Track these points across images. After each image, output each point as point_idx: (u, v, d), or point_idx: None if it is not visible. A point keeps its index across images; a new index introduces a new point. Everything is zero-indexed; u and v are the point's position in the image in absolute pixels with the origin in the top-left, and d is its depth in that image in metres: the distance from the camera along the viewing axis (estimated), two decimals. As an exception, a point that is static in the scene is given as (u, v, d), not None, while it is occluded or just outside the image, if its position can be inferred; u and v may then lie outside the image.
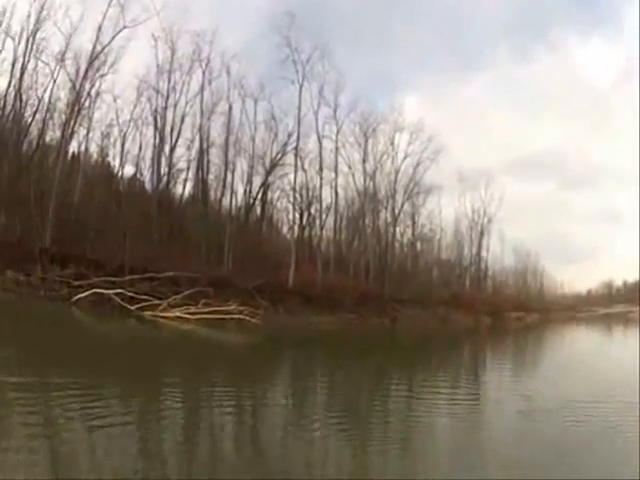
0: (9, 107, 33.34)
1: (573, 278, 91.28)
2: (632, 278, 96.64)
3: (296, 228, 47.79)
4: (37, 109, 34.36)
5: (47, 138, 35.95)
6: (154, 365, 14.67)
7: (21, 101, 33.84)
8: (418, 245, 58.71)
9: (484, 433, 10.33)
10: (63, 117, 35.10)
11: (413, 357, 25.09)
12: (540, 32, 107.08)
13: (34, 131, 35.08)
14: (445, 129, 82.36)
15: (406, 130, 51.72)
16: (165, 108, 40.20)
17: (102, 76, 35.61)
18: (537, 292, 78.68)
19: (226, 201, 43.60)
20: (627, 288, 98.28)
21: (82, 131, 36.93)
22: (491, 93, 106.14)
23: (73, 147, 37.59)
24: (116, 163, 40.44)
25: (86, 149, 38.01)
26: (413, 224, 56.11)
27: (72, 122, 34.95)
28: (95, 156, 39.97)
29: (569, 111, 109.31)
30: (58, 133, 35.27)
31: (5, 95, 32.83)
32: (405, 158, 52.07)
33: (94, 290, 26.47)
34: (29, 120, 34.63)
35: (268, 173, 44.88)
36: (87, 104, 36.11)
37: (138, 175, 40.93)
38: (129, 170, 41.18)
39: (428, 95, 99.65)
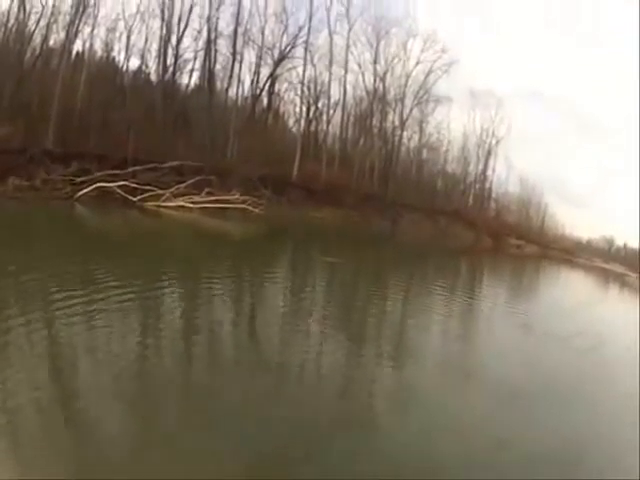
0: (12, 20, 32.94)
1: (574, 223, 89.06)
2: (633, 243, 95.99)
3: (302, 122, 47.21)
4: (41, 15, 33.72)
5: (51, 42, 35.28)
6: (152, 256, 14.53)
7: (25, 11, 33.33)
8: (424, 153, 58.05)
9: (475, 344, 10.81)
10: (67, 18, 34.26)
11: (412, 261, 25.67)
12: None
13: (37, 38, 34.53)
14: (461, 45, 77.91)
15: (420, 37, 50.22)
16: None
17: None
18: (538, 226, 77.05)
19: (233, 92, 42.97)
20: (627, 251, 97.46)
21: (87, 30, 36.08)
22: (516, 20, 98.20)
23: (77, 46, 36.89)
24: (121, 57, 39.52)
25: (91, 46, 37.08)
26: (420, 131, 55.36)
27: (77, 22, 34.26)
28: (100, 52, 39.09)
29: (597, 58, 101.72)
30: (62, 35, 34.54)
31: (9, 9, 32.48)
32: (417, 64, 50.79)
33: (97, 185, 26.27)
34: (32, 28, 34.06)
35: (276, 65, 43.94)
36: (92, 1, 35.15)
37: (144, 67, 40.05)
38: (135, 63, 40.38)
39: (446, 7, 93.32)
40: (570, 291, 31.81)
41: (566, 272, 50.02)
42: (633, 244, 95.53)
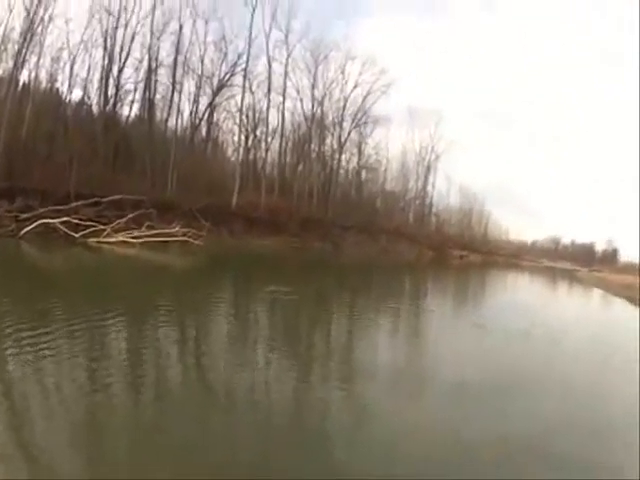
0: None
1: (518, 227, 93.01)
2: (580, 239, 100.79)
3: (241, 150, 48.30)
4: None
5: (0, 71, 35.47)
6: (93, 292, 14.16)
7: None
8: (363, 174, 59.67)
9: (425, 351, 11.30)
10: (16, 47, 34.59)
11: (355, 282, 26.00)
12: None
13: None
14: (399, 64, 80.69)
15: (358, 60, 52.08)
16: (116, 28, 39.55)
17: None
18: (481, 235, 79.88)
19: (172, 122, 43.76)
20: (574, 247, 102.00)
21: (33, 59, 36.32)
22: (451, 37, 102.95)
23: (24, 77, 36.93)
24: (64, 88, 39.82)
25: (36, 76, 37.22)
26: (359, 153, 56.94)
27: (24, 50, 34.51)
28: (44, 83, 39.13)
29: (524, 69, 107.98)
30: (11, 64, 34.66)
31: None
32: (355, 87, 52.66)
33: (41, 221, 26.28)
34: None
35: (215, 94, 44.82)
36: (39, 30, 35.46)
37: (86, 99, 40.34)
38: (77, 94, 40.69)
39: (384, 29, 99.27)
40: (517, 292, 33.22)
41: (512, 275, 51.37)
42: (580, 239, 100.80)
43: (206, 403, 6.85)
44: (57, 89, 39.93)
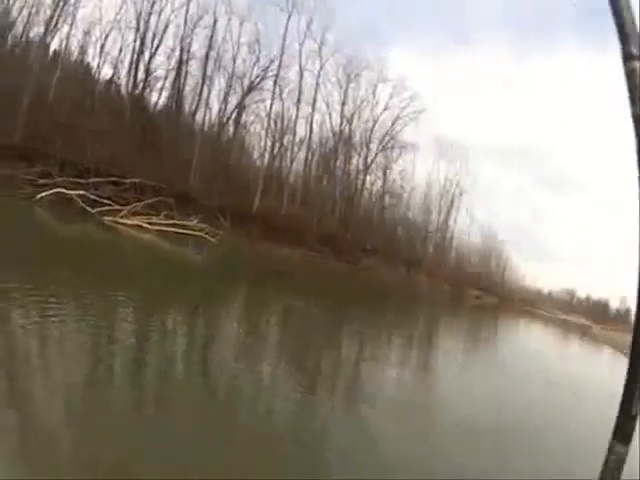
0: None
1: (536, 275, 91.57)
2: (595, 295, 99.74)
3: (267, 155, 47.22)
4: (24, 4, 33.37)
5: (31, 34, 34.88)
6: (105, 272, 13.61)
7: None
8: (387, 199, 58.04)
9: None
10: (47, 12, 33.94)
11: (370, 309, 24.90)
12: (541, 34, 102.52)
13: (20, 27, 34.22)
14: (430, 93, 79.88)
15: (389, 83, 51.09)
16: (150, 13, 38.90)
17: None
18: (498, 277, 77.91)
19: (200, 116, 42.69)
20: (589, 303, 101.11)
21: (65, 28, 35.80)
22: (485, 73, 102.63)
23: (54, 44, 36.28)
24: (94, 64, 38.99)
25: (66, 46, 36.60)
26: (384, 176, 55.71)
27: (56, 17, 33.95)
28: (75, 55, 38.51)
29: (561, 115, 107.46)
30: (42, 29, 34.10)
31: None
32: (385, 110, 51.79)
33: (58, 189, 25.54)
34: (15, 15, 33.68)
35: (245, 94, 43.87)
36: (72, 0, 34.87)
37: (115, 78, 39.38)
38: (107, 72, 39.65)
39: (418, 55, 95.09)
40: (529, 343, 32.02)
41: (525, 323, 50.30)
42: (595, 296, 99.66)
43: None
44: (87, 63, 39.19)
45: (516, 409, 10.58)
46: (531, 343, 31.72)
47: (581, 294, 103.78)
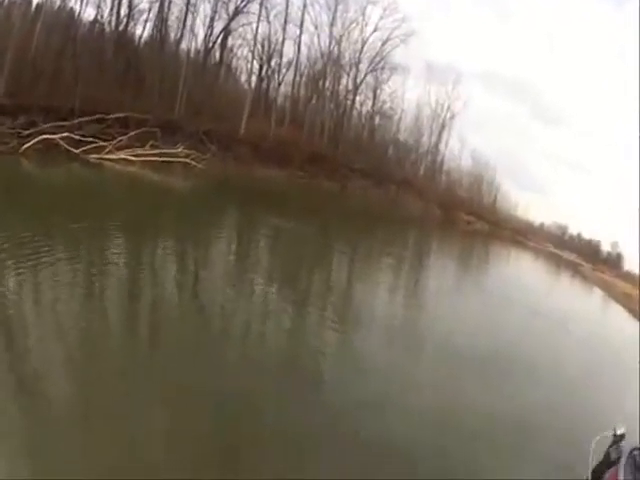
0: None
1: (527, 205, 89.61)
2: (586, 234, 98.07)
3: (254, 78, 47.15)
4: None
5: None
6: (87, 210, 13.65)
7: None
8: (377, 119, 58.10)
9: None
10: None
11: (361, 229, 25.55)
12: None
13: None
14: (422, 17, 76.71)
15: (379, 4, 50.15)
16: None
17: None
18: (490, 204, 76.78)
19: (185, 44, 42.55)
20: (580, 241, 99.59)
21: None
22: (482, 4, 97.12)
23: None
24: (77, 7, 38.25)
25: None
26: (374, 97, 55.32)
27: None
28: (57, 2, 38.24)
29: (559, 47, 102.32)
30: None
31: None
32: (374, 31, 50.85)
33: (41, 137, 25.32)
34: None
35: (231, 19, 43.18)
36: None
37: (99, 17, 38.96)
38: (90, 13, 39.22)
39: None
40: (522, 270, 33.05)
41: (517, 252, 51.63)
42: (586, 235, 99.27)
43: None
44: (70, 8, 38.89)
45: (507, 336, 11.03)
46: (523, 273, 32.21)
47: (573, 231, 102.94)
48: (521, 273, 31.74)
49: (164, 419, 4.69)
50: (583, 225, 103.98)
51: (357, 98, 53.82)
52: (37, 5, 36.47)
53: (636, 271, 69.37)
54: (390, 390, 6.39)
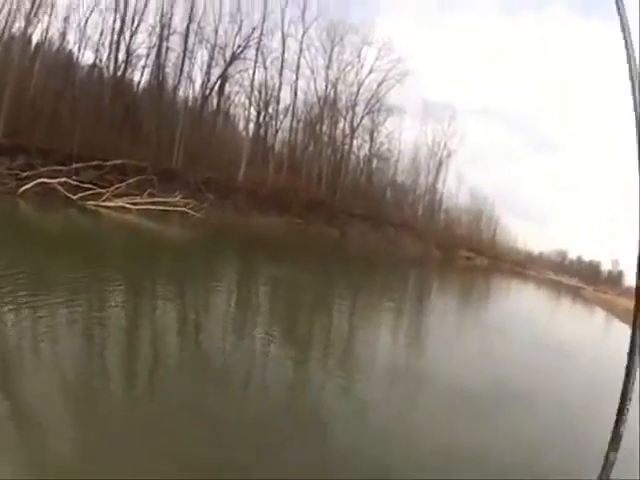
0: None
1: (526, 236, 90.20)
2: (587, 256, 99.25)
3: (252, 125, 47.34)
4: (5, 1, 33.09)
5: (13, 29, 34.52)
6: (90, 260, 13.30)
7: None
8: (374, 162, 58.19)
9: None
10: (28, 5, 33.83)
11: (361, 273, 25.18)
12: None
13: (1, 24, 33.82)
14: (416, 56, 79.26)
15: (375, 45, 50.54)
16: None
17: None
18: (489, 239, 77.45)
19: (182, 91, 42.76)
20: (580, 264, 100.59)
21: (45, 19, 35.67)
22: (472, 36, 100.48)
23: (36, 36, 36.23)
24: (76, 50, 38.91)
25: (47, 36, 36.42)
26: (371, 140, 55.51)
27: (36, 9, 34.11)
28: (56, 44, 38.18)
29: (550, 75, 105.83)
30: (23, 23, 34.08)
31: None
32: (370, 73, 51.29)
33: (39, 180, 25.46)
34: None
35: (228, 65, 43.58)
36: None
37: (97, 62, 39.23)
38: (88, 57, 39.57)
39: (403, 19, 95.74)
40: (522, 302, 32.53)
41: (517, 284, 50.45)
42: (587, 257, 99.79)
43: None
44: (69, 50, 39.17)
45: (508, 373, 10.71)
46: (523, 305, 31.92)
47: (573, 256, 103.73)
48: (521, 305, 31.64)
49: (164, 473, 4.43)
50: (583, 248, 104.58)
51: (354, 142, 54.09)
52: (36, 44, 36.72)
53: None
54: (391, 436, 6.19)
